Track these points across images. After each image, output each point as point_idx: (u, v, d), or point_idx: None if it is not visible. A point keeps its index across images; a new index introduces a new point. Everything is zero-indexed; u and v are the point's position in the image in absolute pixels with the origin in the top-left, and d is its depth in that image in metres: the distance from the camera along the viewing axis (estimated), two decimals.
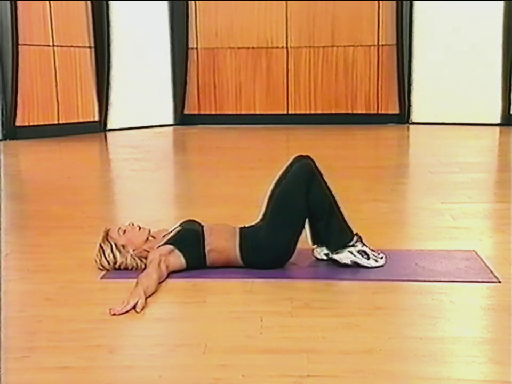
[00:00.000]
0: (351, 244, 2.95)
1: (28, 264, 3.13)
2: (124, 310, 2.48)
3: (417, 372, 2.04)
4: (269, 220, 2.93)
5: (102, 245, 2.97)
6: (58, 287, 2.82)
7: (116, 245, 2.96)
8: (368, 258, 2.96)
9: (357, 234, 3.00)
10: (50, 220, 4.04)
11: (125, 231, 2.99)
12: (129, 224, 3.04)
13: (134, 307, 2.50)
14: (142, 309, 2.50)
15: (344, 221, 2.99)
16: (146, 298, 2.57)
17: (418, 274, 2.91)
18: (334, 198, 3.00)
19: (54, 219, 4.05)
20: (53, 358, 2.16)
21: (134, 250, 2.97)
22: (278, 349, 2.19)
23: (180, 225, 3.08)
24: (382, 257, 2.99)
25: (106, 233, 3.00)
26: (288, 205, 2.91)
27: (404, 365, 2.08)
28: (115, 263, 2.95)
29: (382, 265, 2.96)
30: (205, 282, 2.84)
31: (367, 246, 2.99)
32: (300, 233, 2.94)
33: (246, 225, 3.02)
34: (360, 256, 2.95)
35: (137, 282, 2.66)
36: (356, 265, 2.94)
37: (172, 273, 2.87)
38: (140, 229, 3.03)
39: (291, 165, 3.05)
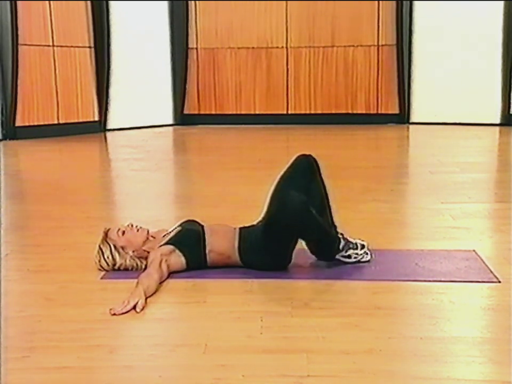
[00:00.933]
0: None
1: (28, 264, 3.12)
2: (124, 310, 2.48)
3: (417, 371, 2.04)
4: (263, 231, 2.89)
5: (101, 246, 2.96)
6: (58, 287, 2.82)
7: (115, 246, 2.95)
8: (350, 258, 3.00)
9: (342, 235, 3.01)
10: (50, 220, 4.04)
11: (124, 232, 2.98)
12: (128, 225, 3.04)
13: (134, 307, 2.50)
14: (142, 309, 2.50)
15: (332, 233, 2.99)
16: (146, 298, 2.57)
17: (418, 274, 2.91)
18: (330, 213, 3.03)
19: (54, 219, 4.05)
20: (53, 358, 2.16)
21: (133, 251, 2.96)
22: (278, 349, 2.19)
23: (179, 225, 3.08)
24: (362, 253, 2.99)
25: (106, 234, 2.99)
26: (277, 233, 2.86)
27: (403, 365, 2.08)
28: (114, 264, 2.95)
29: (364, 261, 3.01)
30: (205, 282, 2.84)
31: (350, 247, 2.99)
32: (294, 245, 2.94)
33: (247, 225, 3.02)
34: (343, 259, 3.00)
35: (137, 282, 2.65)
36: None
37: (172, 273, 2.87)
38: (138, 229, 3.02)
39: (293, 165, 3.05)
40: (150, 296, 2.61)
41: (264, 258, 2.90)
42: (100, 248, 2.96)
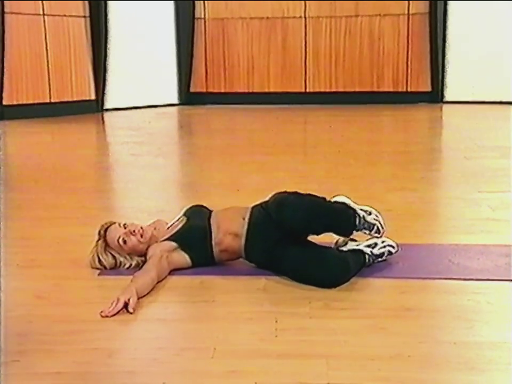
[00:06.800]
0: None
1: (17, 259, 3.15)
2: (116, 311, 2.46)
3: (450, 380, 2.05)
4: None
5: (101, 258, 2.92)
6: (51, 284, 2.84)
7: (119, 254, 2.94)
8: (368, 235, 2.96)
9: (363, 216, 2.94)
10: (42, 209, 4.07)
11: (125, 241, 2.93)
12: (127, 229, 2.95)
13: (125, 306, 2.48)
14: (134, 309, 2.48)
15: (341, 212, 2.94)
16: (139, 298, 2.56)
17: (451, 271, 2.91)
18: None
19: (46, 209, 4.08)
20: (46, 363, 2.18)
21: (139, 256, 2.95)
22: (294, 353, 2.20)
23: (184, 213, 3.07)
24: (381, 244, 2.96)
25: (105, 242, 2.94)
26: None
27: (435, 373, 2.09)
28: (119, 268, 2.94)
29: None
30: (214, 279, 2.86)
31: (365, 227, 2.93)
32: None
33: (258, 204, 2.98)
34: (365, 249, 2.92)
35: (131, 280, 2.65)
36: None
37: (177, 270, 2.89)
38: (142, 234, 2.94)
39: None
40: (144, 296, 2.61)
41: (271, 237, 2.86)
42: (99, 260, 2.92)
